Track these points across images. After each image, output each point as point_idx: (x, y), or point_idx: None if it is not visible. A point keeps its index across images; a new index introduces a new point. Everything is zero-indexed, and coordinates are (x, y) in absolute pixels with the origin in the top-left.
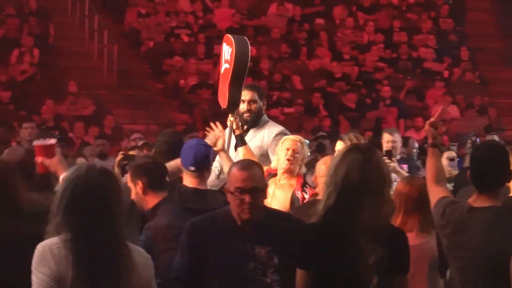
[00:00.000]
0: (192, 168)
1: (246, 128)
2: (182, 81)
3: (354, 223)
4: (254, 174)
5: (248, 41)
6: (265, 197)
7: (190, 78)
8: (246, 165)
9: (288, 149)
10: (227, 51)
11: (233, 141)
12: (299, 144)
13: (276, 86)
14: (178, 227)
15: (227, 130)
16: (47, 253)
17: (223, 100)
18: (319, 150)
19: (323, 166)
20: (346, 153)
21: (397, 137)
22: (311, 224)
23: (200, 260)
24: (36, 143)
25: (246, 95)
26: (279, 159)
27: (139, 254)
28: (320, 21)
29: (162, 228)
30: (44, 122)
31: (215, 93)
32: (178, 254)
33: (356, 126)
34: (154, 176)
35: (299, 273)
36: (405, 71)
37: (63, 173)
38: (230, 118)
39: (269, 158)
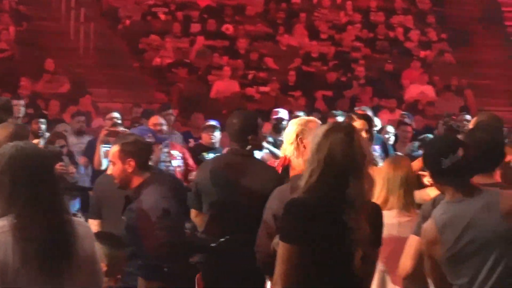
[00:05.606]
0: None
1: None
2: (158, 60)
3: (341, 199)
4: None
5: None
6: None
7: (167, 57)
8: None
9: None
10: None
11: None
12: None
13: (252, 65)
14: (162, 209)
15: None
16: None
17: None
18: None
19: None
20: (329, 131)
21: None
22: (294, 199)
23: None
24: None
25: None
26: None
27: (80, 224)
28: (297, 0)
29: (146, 209)
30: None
31: (191, 72)
32: None
33: (332, 105)
34: (144, 156)
35: (283, 247)
36: (382, 51)
37: None
38: None
39: None
